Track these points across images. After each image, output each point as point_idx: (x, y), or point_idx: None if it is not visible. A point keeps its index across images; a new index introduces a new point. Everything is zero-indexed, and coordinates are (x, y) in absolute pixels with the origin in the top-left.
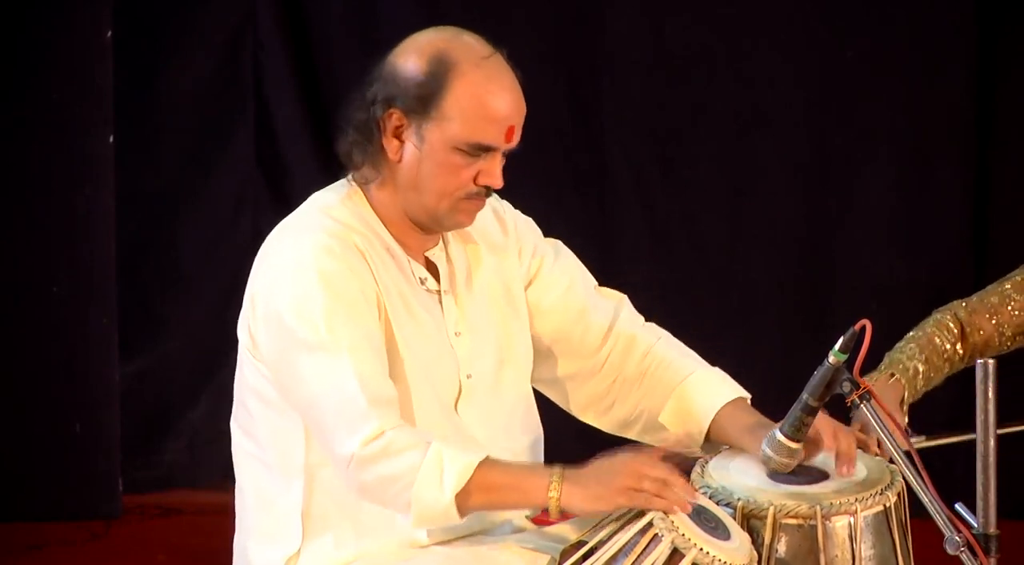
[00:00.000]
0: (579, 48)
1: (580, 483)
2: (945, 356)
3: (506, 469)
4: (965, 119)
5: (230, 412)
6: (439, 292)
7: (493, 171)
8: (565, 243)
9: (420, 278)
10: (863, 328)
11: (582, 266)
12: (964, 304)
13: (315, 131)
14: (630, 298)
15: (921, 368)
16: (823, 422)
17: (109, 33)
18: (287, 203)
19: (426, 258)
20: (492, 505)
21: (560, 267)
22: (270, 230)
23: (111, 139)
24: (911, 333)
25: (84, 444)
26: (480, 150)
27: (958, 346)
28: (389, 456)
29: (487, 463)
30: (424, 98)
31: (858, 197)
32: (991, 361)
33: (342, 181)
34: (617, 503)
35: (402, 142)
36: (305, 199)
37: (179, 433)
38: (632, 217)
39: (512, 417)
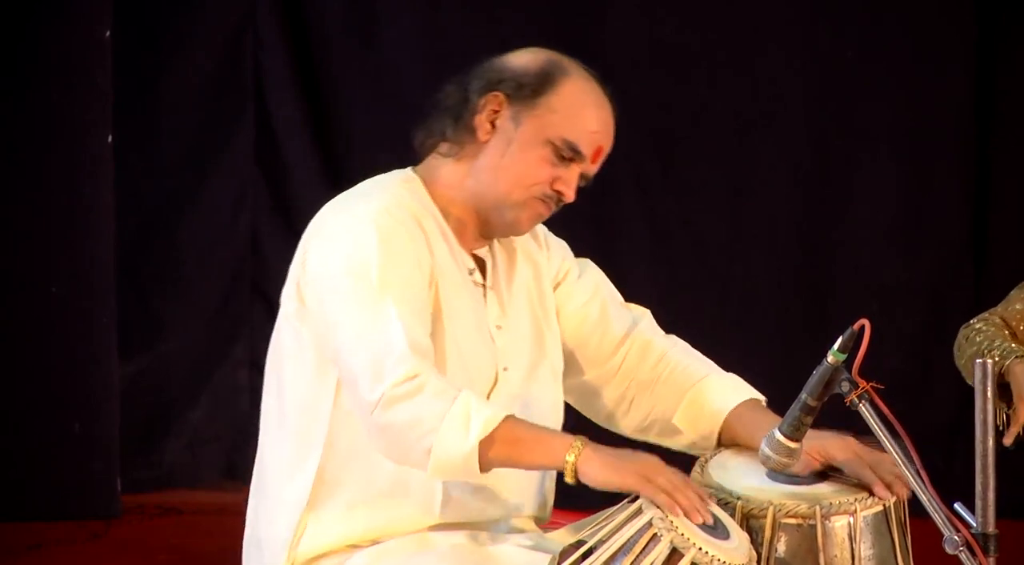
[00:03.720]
0: (579, 47)
1: (600, 452)
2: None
3: (531, 426)
4: (965, 119)
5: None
6: (484, 286)
7: (571, 181)
8: None
9: (468, 269)
10: (862, 328)
11: (608, 282)
12: (991, 313)
13: (315, 131)
14: (630, 298)
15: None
16: (855, 463)
17: (109, 33)
18: (287, 203)
19: (473, 255)
20: (512, 460)
21: (586, 279)
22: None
23: (111, 139)
24: (978, 339)
25: (84, 444)
26: (569, 151)
27: (1013, 343)
28: (419, 396)
29: (513, 418)
30: (533, 87)
31: (858, 197)
32: (989, 361)
33: (402, 169)
34: (628, 484)
35: (494, 127)
36: (304, 199)
37: (179, 433)
38: (632, 217)
39: (542, 418)
